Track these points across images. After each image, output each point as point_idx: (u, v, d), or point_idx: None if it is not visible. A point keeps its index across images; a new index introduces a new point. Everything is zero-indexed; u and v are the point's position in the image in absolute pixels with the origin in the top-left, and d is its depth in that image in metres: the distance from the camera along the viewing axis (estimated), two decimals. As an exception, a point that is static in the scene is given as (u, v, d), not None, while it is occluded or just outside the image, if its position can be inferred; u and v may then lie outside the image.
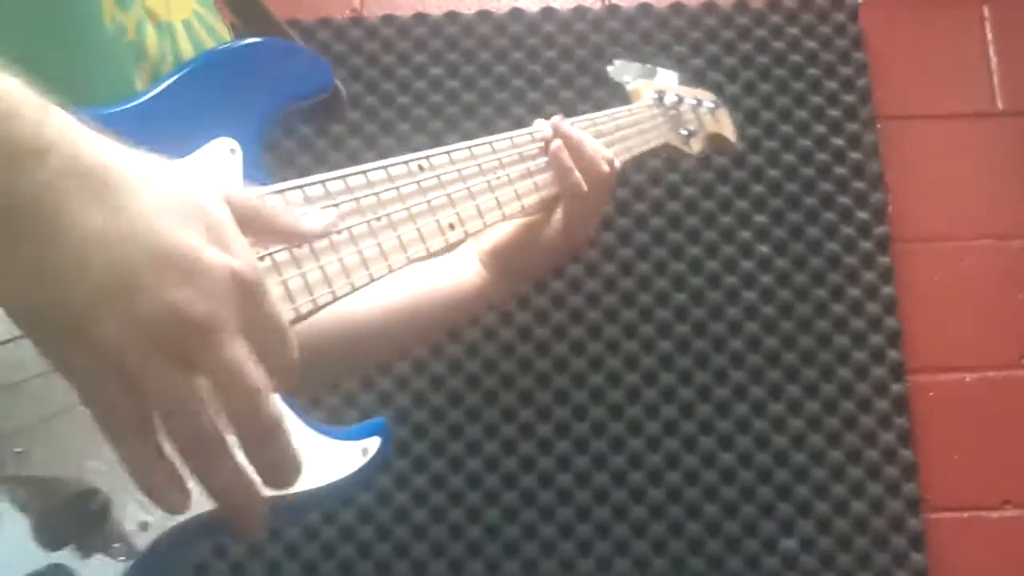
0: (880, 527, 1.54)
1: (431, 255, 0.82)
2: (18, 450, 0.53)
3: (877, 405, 1.59)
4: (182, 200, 0.51)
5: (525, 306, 1.61)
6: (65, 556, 0.53)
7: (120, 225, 0.48)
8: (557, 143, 0.99)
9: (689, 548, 1.53)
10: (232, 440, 0.53)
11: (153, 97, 0.67)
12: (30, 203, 0.46)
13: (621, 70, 1.24)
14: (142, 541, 0.57)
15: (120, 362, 0.49)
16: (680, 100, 1.22)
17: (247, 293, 0.52)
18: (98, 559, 0.55)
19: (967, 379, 1.65)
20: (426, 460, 1.56)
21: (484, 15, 1.76)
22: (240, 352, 0.51)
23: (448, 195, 0.85)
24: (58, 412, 0.55)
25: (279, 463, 0.55)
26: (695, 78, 1.70)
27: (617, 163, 1.05)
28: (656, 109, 1.18)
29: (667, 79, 1.26)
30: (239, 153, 0.69)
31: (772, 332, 1.61)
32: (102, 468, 0.55)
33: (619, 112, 1.13)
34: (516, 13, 1.76)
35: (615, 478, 1.56)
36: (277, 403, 0.53)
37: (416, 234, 0.80)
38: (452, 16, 1.76)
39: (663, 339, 1.61)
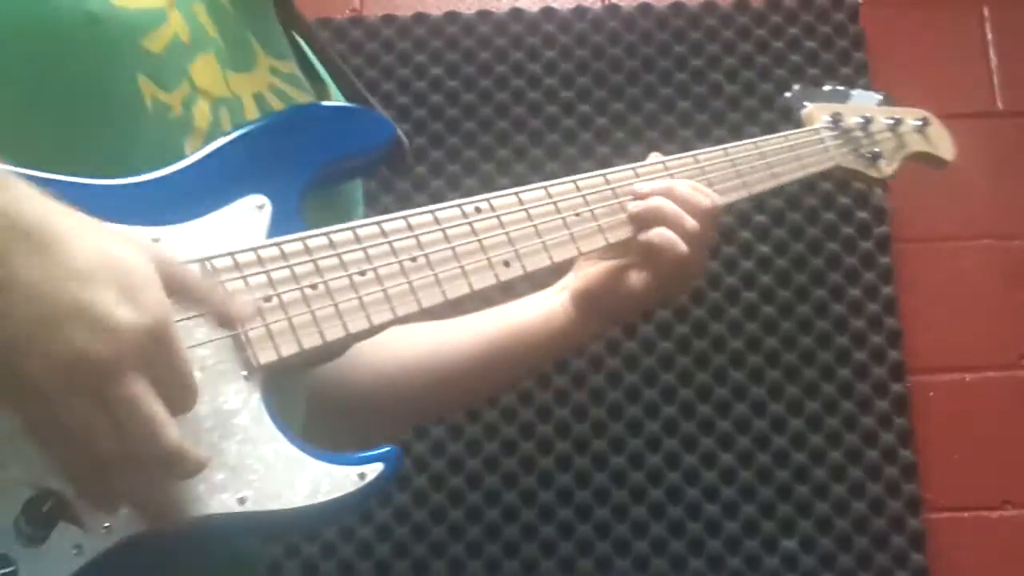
0: (880, 527, 1.54)
1: (476, 292, 0.84)
2: None
3: (877, 405, 1.59)
4: (104, 261, 0.61)
5: (525, 306, 1.61)
6: (19, 553, 0.61)
7: (47, 279, 0.59)
8: (639, 209, 0.96)
9: (689, 548, 1.53)
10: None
11: (195, 160, 0.75)
12: None
13: (800, 95, 1.21)
14: (102, 543, 0.63)
15: (42, 391, 0.59)
16: (867, 121, 1.18)
17: (150, 343, 0.61)
18: (51, 555, 0.62)
19: (967, 379, 1.65)
20: (426, 460, 1.56)
21: (484, 15, 1.76)
22: (138, 389, 0.60)
23: (507, 233, 0.87)
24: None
25: (180, 488, 0.64)
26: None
27: (720, 202, 1.01)
28: (826, 132, 1.15)
29: (863, 100, 1.21)
30: (268, 208, 0.76)
31: (772, 332, 1.61)
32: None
33: (769, 140, 1.10)
34: (516, 13, 1.76)
35: (615, 478, 1.56)
36: (176, 437, 0.61)
37: (458, 271, 0.83)
38: (452, 16, 1.76)
39: (663, 339, 1.61)
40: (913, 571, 1.53)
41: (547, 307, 1.04)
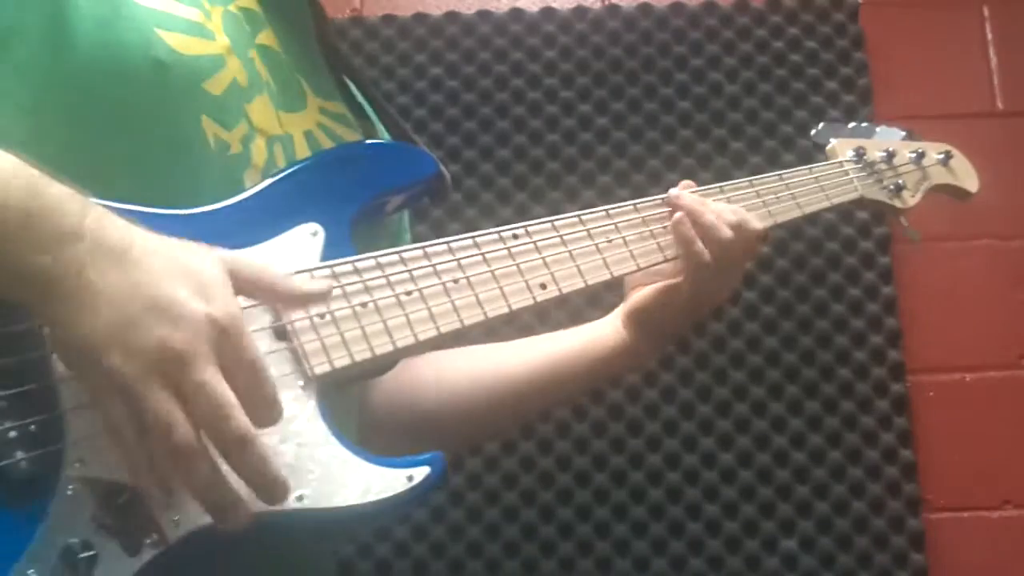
0: (880, 527, 1.54)
1: (515, 313, 0.89)
2: (80, 457, 0.68)
3: (877, 405, 1.59)
4: (178, 265, 0.68)
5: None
6: (98, 541, 0.68)
7: (127, 284, 0.66)
8: (679, 214, 1.01)
9: (689, 548, 1.53)
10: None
11: (253, 194, 0.83)
12: (66, 271, 0.65)
13: (824, 132, 1.26)
14: (172, 534, 0.70)
15: (123, 384, 0.64)
16: (890, 155, 1.23)
17: (222, 333, 0.67)
18: (126, 544, 0.68)
19: (967, 379, 1.65)
20: (426, 460, 1.56)
21: (484, 15, 1.76)
22: (210, 376, 0.65)
23: (543, 258, 0.92)
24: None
25: (256, 471, 0.68)
26: (702, 84, 1.71)
27: (759, 225, 1.05)
28: (850, 165, 1.20)
29: (887, 136, 1.26)
30: (321, 235, 0.82)
31: (772, 332, 1.61)
32: None
33: (794, 172, 1.15)
34: (516, 13, 1.76)
35: (615, 478, 1.56)
36: (246, 421, 0.66)
37: (497, 293, 0.88)
38: (452, 16, 1.76)
39: (663, 339, 1.61)
40: (913, 571, 1.53)
41: (600, 330, 1.09)
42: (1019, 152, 1.74)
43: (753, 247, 1.06)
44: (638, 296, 1.07)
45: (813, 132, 1.27)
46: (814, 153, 1.65)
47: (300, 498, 0.74)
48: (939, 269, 1.69)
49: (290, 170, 0.85)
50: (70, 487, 0.68)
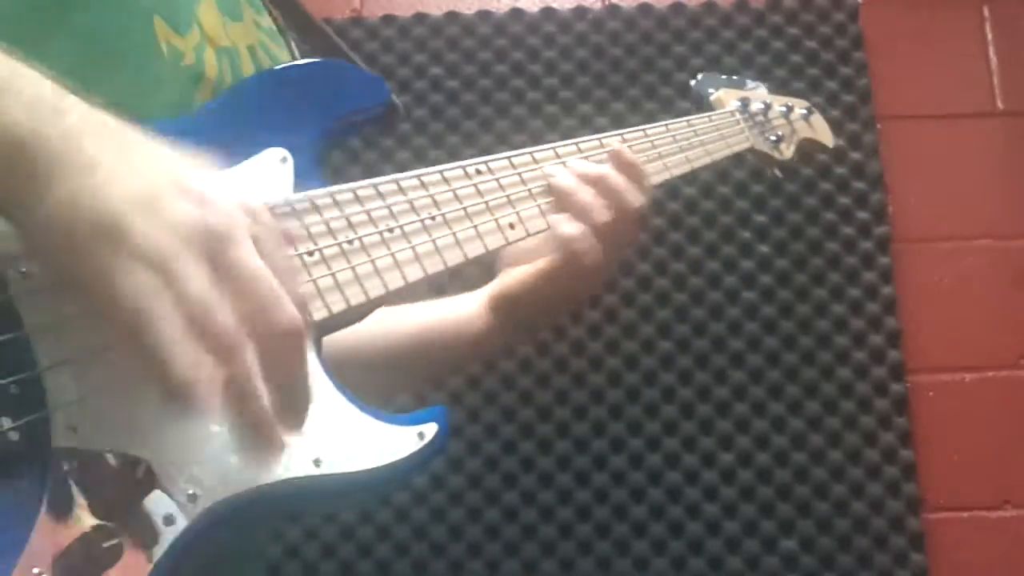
0: (880, 527, 1.54)
1: (490, 252, 0.85)
2: (71, 425, 0.59)
3: (877, 405, 1.59)
4: (186, 159, 0.62)
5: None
6: (113, 527, 0.59)
7: (138, 157, 0.59)
8: (556, 184, 0.92)
9: (689, 548, 1.53)
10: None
11: (209, 111, 0.75)
12: (59, 146, 0.56)
13: (705, 82, 1.29)
14: (190, 511, 0.62)
15: (151, 253, 0.56)
16: (767, 107, 1.26)
17: (254, 216, 0.61)
18: (143, 528, 0.60)
19: (967, 379, 1.65)
20: (426, 460, 1.56)
21: (484, 15, 1.76)
22: (252, 256, 0.59)
23: (507, 196, 0.88)
24: (107, 389, 0.60)
25: (302, 378, 0.61)
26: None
27: (643, 200, 0.97)
28: (739, 115, 1.21)
29: (757, 89, 1.31)
30: (290, 161, 0.75)
31: (772, 332, 1.61)
32: (150, 444, 0.62)
33: (698, 119, 1.15)
34: (516, 13, 1.76)
35: (615, 478, 1.55)
36: (293, 308, 0.60)
37: (473, 232, 0.84)
38: (452, 16, 1.76)
39: (663, 339, 1.61)
40: (913, 571, 1.52)
41: (467, 309, 1.03)
42: (1019, 152, 1.74)
43: (638, 226, 0.99)
44: (507, 280, 0.99)
45: (693, 83, 1.30)
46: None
47: (317, 462, 0.67)
48: (939, 269, 1.69)
49: (245, 87, 0.78)
50: (66, 462, 0.58)
